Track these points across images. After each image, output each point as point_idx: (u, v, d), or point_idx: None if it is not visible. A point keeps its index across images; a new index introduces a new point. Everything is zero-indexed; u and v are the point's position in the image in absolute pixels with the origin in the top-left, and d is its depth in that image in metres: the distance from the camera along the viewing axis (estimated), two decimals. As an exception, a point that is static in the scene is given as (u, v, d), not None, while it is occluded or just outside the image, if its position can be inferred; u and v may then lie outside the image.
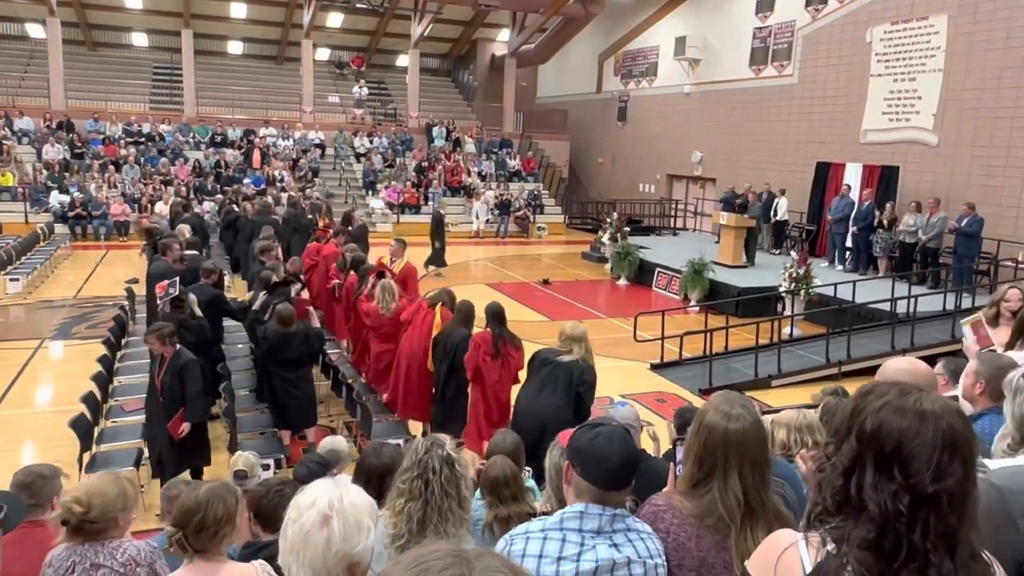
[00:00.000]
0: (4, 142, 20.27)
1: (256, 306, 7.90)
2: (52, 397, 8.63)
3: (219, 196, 19.40)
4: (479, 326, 6.70)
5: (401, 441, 6.27)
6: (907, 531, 1.32)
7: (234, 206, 15.92)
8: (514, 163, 25.98)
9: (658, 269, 15.81)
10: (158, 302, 7.39)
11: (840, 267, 15.41)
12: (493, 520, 3.18)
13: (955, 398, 3.05)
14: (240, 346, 8.96)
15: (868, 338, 10.83)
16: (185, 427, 5.89)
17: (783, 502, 2.27)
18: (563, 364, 5.56)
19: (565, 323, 5.89)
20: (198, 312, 7.34)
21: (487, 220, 22.67)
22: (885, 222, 14.49)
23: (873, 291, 12.06)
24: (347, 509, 1.73)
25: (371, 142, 24.99)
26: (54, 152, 20.41)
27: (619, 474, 2.01)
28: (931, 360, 3.26)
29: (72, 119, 21.84)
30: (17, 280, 13.24)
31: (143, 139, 22.35)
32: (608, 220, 17.97)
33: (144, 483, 6.02)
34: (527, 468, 3.98)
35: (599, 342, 11.47)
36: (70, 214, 18.64)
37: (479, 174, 24.80)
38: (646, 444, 4.70)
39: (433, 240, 16.30)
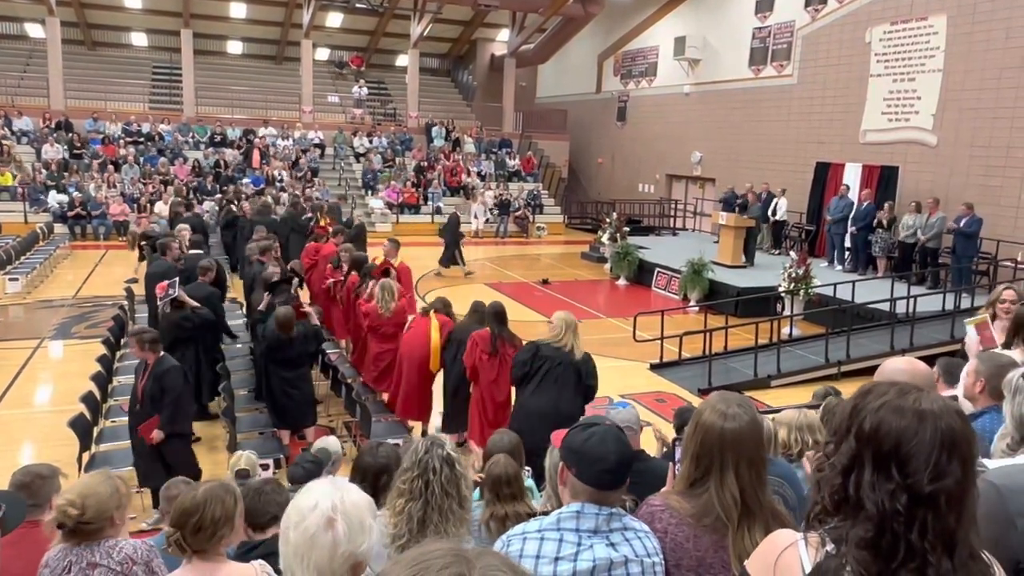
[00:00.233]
0: (3, 142, 20.26)
1: (262, 306, 7.90)
2: (51, 397, 8.63)
3: (218, 196, 19.40)
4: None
5: (400, 441, 6.27)
6: (905, 531, 1.32)
7: (232, 206, 15.92)
8: (513, 163, 25.98)
9: (657, 269, 15.81)
10: (158, 302, 7.38)
11: (839, 267, 15.41)
12: (490, 518, 3.19)
13: (954, 398, 3.05)
14: (239, 346, 8.96)
15: (867, 338, 10.83)
16: (157, 434, 5.65)
17: (782, 502, 2.27)
18: (571, 362, 5.53)
19: (556, 313, 5.82)
20: (195, 304, 7.34)
21: (487, 220, 22.67)
22: (884, 222, 14.50)
23: (872, 291, 12.06)
24: (350, 510, 1.74)
25: (370, 142, 24.99)
26: (53, 152, 20.40)
27: (615, 474, 2.01)
28: (930, 360, 3.26)
29: (71, 119, 21.83)
30: (16, 280, 13.24)
31: (142, 139, 22.34)
32: (607, 220, 17.97)
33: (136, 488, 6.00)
34: (527, 468, 3.98)
35: (598, 342, 11.53)
36: (69, 214, 18.64)
37: (478, 174, 24.80)
38: (652, 445, 4.70)
39: (448, 242, 16.25)
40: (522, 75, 29.68)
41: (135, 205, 19.55)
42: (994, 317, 5.08)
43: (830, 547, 1.40)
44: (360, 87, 27.25)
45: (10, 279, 13.23)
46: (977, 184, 14.13)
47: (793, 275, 11.96)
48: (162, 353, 5.92)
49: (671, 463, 2.36)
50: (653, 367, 10.27)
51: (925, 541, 1.32)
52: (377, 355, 7.76)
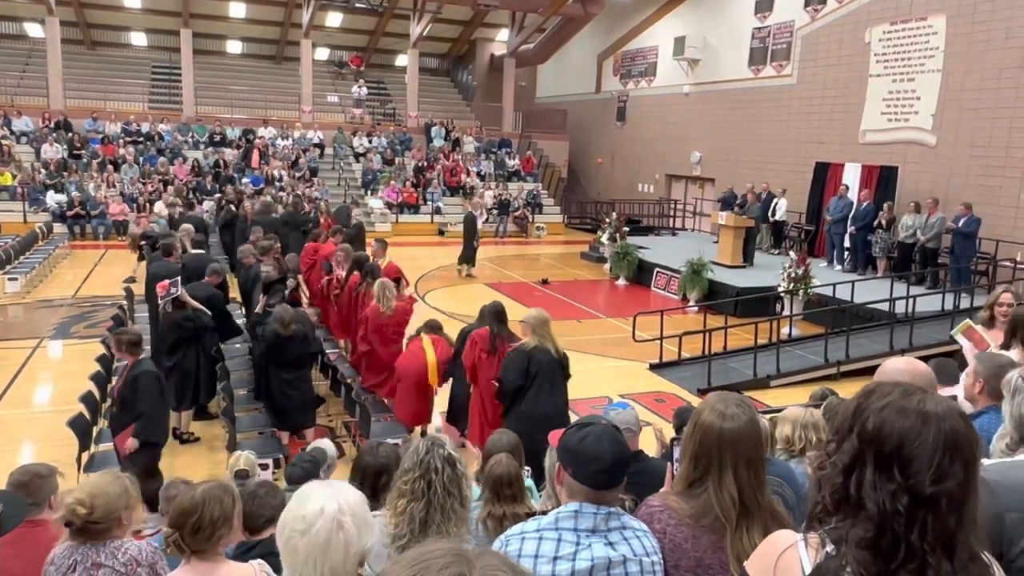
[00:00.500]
0: (3, 142, 20.25)
1: (258, 308, 7.90)
2: (50, 396, 8.63)
3: (217, 196, 19.39)
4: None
5: (399, 441, 6.27)
6: (905, 531, 1.32)
7: (231, 205, 15.91)
8: (513, 163, 25.98)
9: (657, 269, 15.81)
10: (159, 302, 7.37)
11: (838, 267, 15.42)
12: (487, 516, 3.19)
13: (953, 398, 3.06)
14: (239, 345, 8.95)
15: (867, 338, 10.83)
16: (132, 443, 5.53)
17: (781, 502, 2.27)
18: (556, 359, 5.67)
19: (529, 313, 5.88)
20: (195, 304, 7.34)
21: (486, 220, 22.66)
22: (884, 222, 14.50)
23: (872, 291, 12.07)
24: (356, 509, 1.78)
25: (370, 142, 24.99)
26: (52, 151, 20.40)
27: (610, 474, 2.01)
28: (929, 360, 3.26)
29: (71, 119, 21.82)
30: (16, 279, 13.23)
31: (142, 138, 22.34)
32: (607, 220, 17.97)
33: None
34: (526, 468, 3.98)
35: (598, 342, 11.55)
36: (69, 213, 18.63)
37: (478, 174, 24.80)
38: (652, 445, 4.70)
39: (467, 240, 16.26)
40: (522, 75, 29.68)
41: (134, 205, 19.55)
42: (992, 319, 5.09)
43: (830, 548, 1.40)
44: (360, 87, 27.24)
45: (9, 279, 13.22)
46: (976, 184, 14.13)
47: (792, 275, 11.96)
48: (142, 357, 5.78)
49: (669, 463, 2.36)
50: (652, 367, 10.27)
51: (925, 542, 1.32)
52: (379, 358, 7.73)
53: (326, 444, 4.62)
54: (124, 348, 5.68)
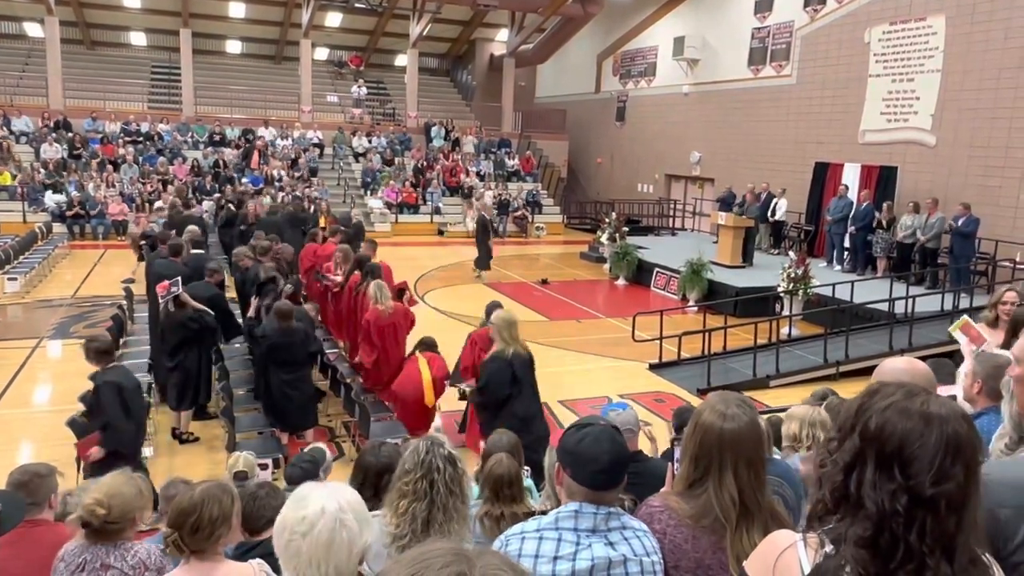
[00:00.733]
0: (3, 141, 20.24)
1: (251, 312, 7.90)
2: (50, 396, 8.63)
3: (216, 195, 19.38)
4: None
5: (399, 440, 6.27)
6: (904, 531, 1.32)
7: (231, 205, 15.91)
8: (513, 163, 25.98)
9: (656, 269, 15.82)
10: (160, 302, 7.37)
11: (838, 267, 15.42)
12: (484, 515, 3.19)
13: (952, 397, 3.06)
14: (238, 345, 8.95)
15: (866, 338, 10.83)
16: (96, 452, 5.41)
17: (782, 502, 2.27)
18: (530, 359, 5.86)
19: (497, 316, 5.93)
20: (197, 305, 7.34)
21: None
22: (884, 222, 14.51)
23: (871, 291, 12.08)
24: (355, 506, 1.79)
25: (370, 142, 24.98)
26: (52, 151, 20.39)
27: (609, 474, 2.01)
28: (927, 360, 3.26)
29: (70, 118, 21.81)
30: (15, 279, 13.23)
31: (141, 138, 22.33)
32: (607, 220, 17.97)
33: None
34: (526, 468, 3.98)
35: (597, 342, 11.55)
36: (68, 213, 18.63)
37: (477, 174, 24.80)
38: (644, 444, 4.70)
39: (480, 244, 16.28)
40: (521, 75, 29.68)
41: (132, 205, 19.54)
42: (996, 319, 5.09)
43: (829, 548, 1.40)
44: (359, 87, 27.24)
45: (9, 278, 13.22)
46: (976, 184, 14.14)
47: (792, 275, 11.96)
48: (111, 365, 5.56)
49: (670, 463, 2.36)
50: (652, 367, 10.27)
51: (924, 543, 1.32)
52: (389, 362, 7.72)
53: (319, 446, 4.62)
54: (91, 356, 5.48)
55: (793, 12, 18.56)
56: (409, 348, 7.65)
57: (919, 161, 15.32)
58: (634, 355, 10.65)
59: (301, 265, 10.73)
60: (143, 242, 12.94)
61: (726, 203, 18.14)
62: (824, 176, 17.21)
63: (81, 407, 6.34)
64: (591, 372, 10.21)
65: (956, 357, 6.00)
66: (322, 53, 29.67)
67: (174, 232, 10.83)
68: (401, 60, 30.05)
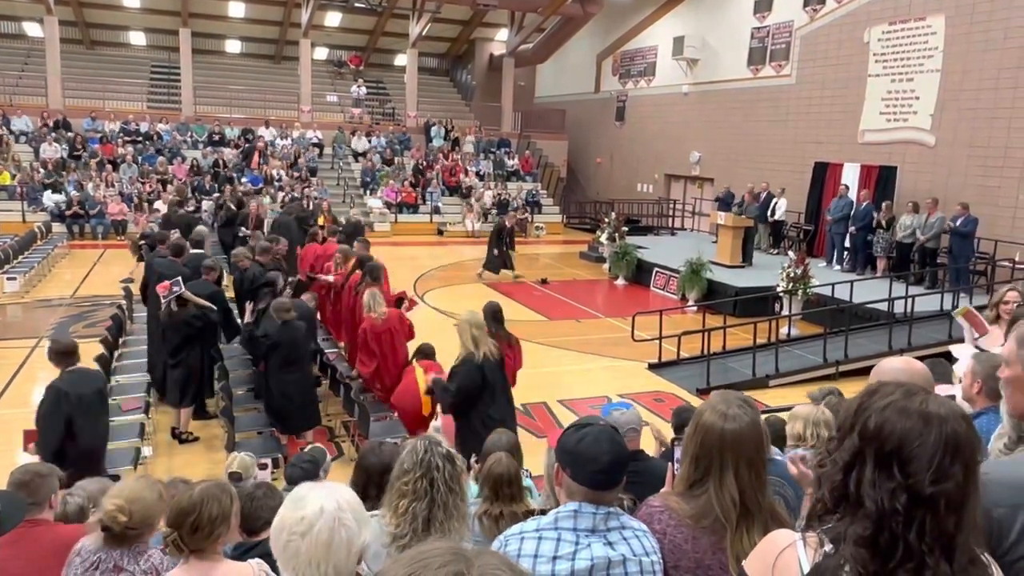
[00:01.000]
0: (2, 136, 20.25)
1: (248, 317, 7.89)
2: (49, 396, 8.60)
3: (216, 195, 19.39)
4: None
5: (399, 440, 6.27)
6: (903, 530, 1.33)
7: (230, 204, 15.91)
8: (512, 163, 25.98)
9: (656, 269, 15.82)
10: (162, 302, 7.37)
11: (837, 267, 15.43)
12: (483, 514, 3.19)
13: (952, 397, 3.06)
14: (237, 345, 8.93)
15: (865, 338, 10.84)
16: (31, 448, 5.30)
17: (783, 502, 2.27)
18: (501, 361, 5.85)
19: (463, 320, 5.89)
20: (200, 302, 7.34)
21: (486, 218, 22.73)
22: (883, 222, 14.51)
23: (870, 291, 12.08)
24: (353, 504, 1.79)
25: (369, 141, 24.97)
26: (51, 151, 20.38)
27: (609, 474, 2.01)
28: (924, 360, 3.26)
29: (69, 118, 21.80)
30: (14, 279, 13.22)
31: (141, 138, 22.32)
32: (606, 220, 17.98)
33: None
34: (526, 468, 3.98)
35: (597, 342, 11.56)
36: (67, 213, 18.62)
37: (477, 174, 24.80)
38: (650, 445, 4.71)
39: (491, 247, 16.25)
40: (521, 75, 29.68)
41: (131, 205, 19.52)
42: (997, 318, 5.08)
43: (828, 547, 1.40)
44: (359, 87, 27.24)
45: (8, 278, 13.21)
46: (975, 184, 14.15)
47: (791, 275, 11.96)
48: (69, 369, 5.32)
49: (670, 463, 2.36)
50: (651, 367, 10.27)
51: (923, 542, 1.32)
52: (388, 368, 7.70)
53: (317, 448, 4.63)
54: (51, 358, 5.33)
55: (792, 12, 18.56)
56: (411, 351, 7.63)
57: (918, 161, 15.32)
58: (633, 355, 10.66)
59: (302, 265, 10.72)
60: (142, 242, 12.95)
61: (725, 203, 18.16)
62: (823, 176, 17.22)
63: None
64: (590, 372, 10.21)
65: (952, 358, 6.00)
66: (322, 53, 29.66)
67: (178, 232, 10.85)
68: (401, 60, 30.05)
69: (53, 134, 21.01)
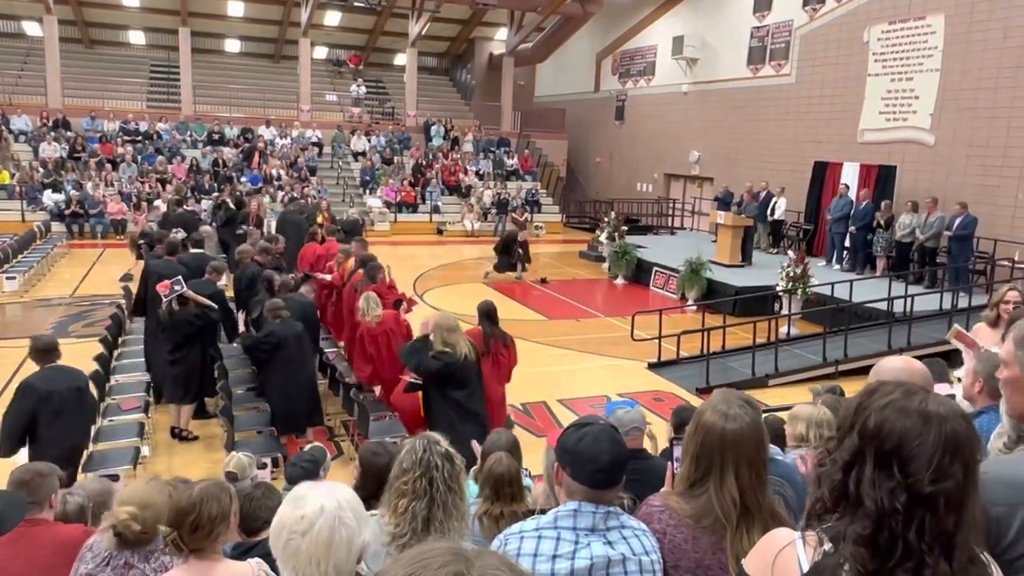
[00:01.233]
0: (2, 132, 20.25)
1: (241, 327, 7.88)
2: (49, 396, 8.59)
3: (215, 195, 19.38)
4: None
5: (399, 439, 6.27)
6: (903, 529, 1.33)
7: (229, 203, 15.91)
8: (512, 162, 25.97)
9: (655, 268, 15.82)
10: (163, 301, 7.36)
11: (837, 267, 15.43)
12: (484, 514, 3.19)
13: (951, 396, 3.06)
14: (235, 345, 8.92)
15: (865, 337, 10.84)
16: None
17: (783, 502, 2.27)
18: (476, 360, 5.98)
19: (437, 318, 6.04)
20: (202, 300, 7.33)
21: (485, 218, 22.73)
22: (883, 222, 14.51)
23: (870, 290, 12.08)
24: (353, 503, 1.79)
25: (369, 141, 24.96)
26: (51, 150, 20.37)
27: (608, 473, 2.00)
28: (923, 359, 3.27)
29: (69, 117, 21.79)
30: (14, 278, 13.22)
31: (140, 137, 22.31)
32: (606, 219, 17.98)
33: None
34: (525, 468, 3.98)
35: (596, 341, 11.56)
36: (67, 212, 18.61)
37: (476, 173, 24.79)
38: (644, 443, 4.70)
39: (500, 253, 16.27)
40: (520, 74, 29.67)
41: (131, 204, 19.51)
42: (997, 318, 5.06)
43: (828, 546, 1.40)
44: (358, 86, 27.22)
45: (7, 277, 13.20)
46: (974, 184, 14.15)
47: (791, 274, 11.96)
48: (48, 366, 5.30)
49: (670, 463, 2.36)
50: (651, 366, 10.27)
51: (923, 541, 1.32)
52: (386, 366, 7.70)
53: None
54: (31, 354, 5.28)
55: (792, 11, 18.56)
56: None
57: (918, 160, 15.33)
58: (633, 354, 10.65)
59: (301, 264, 10.72)
60: (141, 241, 12.94)
61: (724, 202, 18.16)
62: (823, 175, 17.22)
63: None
64: (590, 371, 10.21)
65: (953, 357, 6.01)
66: (321, 52, 29.66)
67: (182, 232, 10.85)
68: (400, 59, 30.04)
69: (52, 133, 21.00)
